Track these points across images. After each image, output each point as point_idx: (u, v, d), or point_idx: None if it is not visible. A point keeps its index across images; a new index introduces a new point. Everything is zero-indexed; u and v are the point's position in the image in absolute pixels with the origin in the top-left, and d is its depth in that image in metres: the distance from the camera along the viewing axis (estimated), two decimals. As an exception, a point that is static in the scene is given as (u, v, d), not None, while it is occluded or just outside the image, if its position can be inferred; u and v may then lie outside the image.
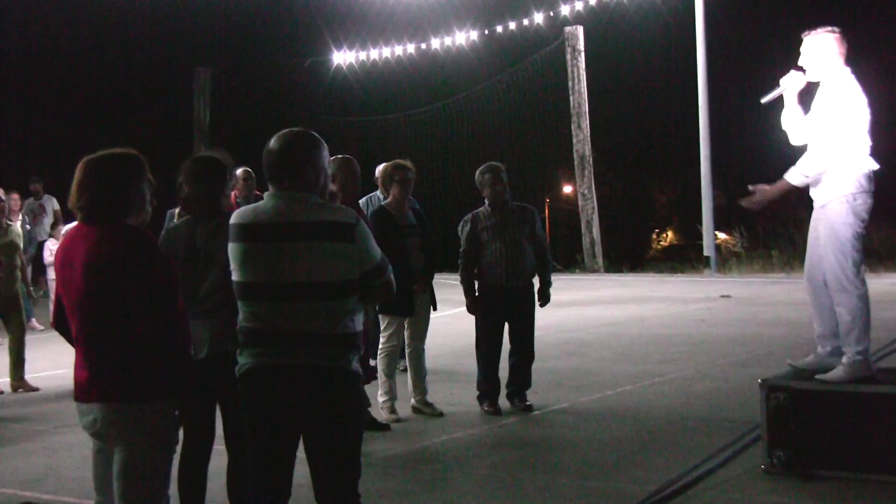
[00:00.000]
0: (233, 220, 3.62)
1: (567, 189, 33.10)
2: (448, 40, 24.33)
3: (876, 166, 5.23)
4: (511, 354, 7.26)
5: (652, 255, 33.76)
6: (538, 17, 22.81)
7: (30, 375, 8.99)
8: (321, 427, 3.51)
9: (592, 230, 21.22)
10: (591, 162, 21.65)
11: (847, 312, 5.17)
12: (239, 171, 9.30)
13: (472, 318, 7.31)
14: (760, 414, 5.30)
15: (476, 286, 7.24)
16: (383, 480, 5.43)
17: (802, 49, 5.39)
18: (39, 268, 14.39)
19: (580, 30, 21.61)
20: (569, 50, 21.56)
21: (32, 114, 27.00)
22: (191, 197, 4.38)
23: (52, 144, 24.54)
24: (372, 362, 7.12)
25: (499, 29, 23.80)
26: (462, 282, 7.25)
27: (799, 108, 5.42)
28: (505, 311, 7.17)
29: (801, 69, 5.40)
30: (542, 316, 7.53)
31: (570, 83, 21.56)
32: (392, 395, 6.97)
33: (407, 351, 7.21)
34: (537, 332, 7.39)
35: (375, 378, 6.98)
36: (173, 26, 26.72)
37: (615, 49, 28.25)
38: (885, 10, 27.33)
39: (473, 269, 7.23)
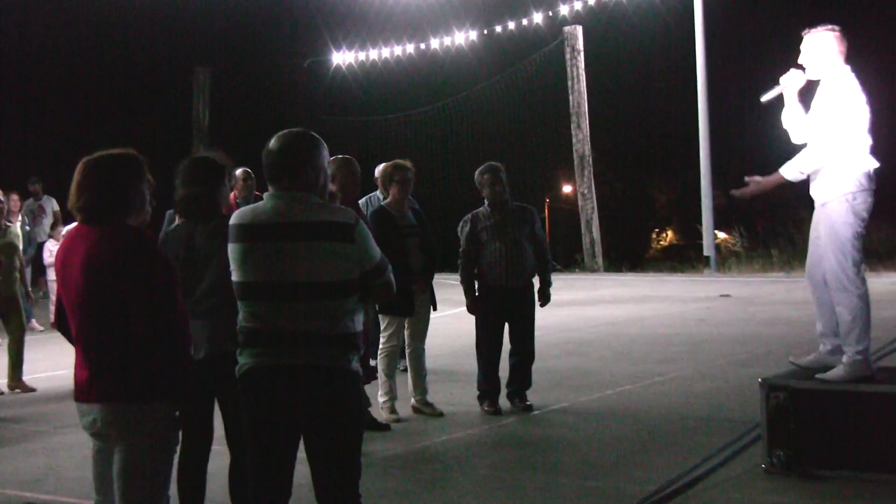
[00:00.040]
0: (233, 220, 3.62)
1: (567, 189, 33.09)
2: (447, 40, 24.34)
3: (876, 164, 5.22)
4: (511, 354, 7.26)
5: (652, 255, 33.73)
6: (537, 17, 22.83)
7: (29, 376, 8.98)
8: (321, 427, 3.51)
9: (592, 230, 21.22)
10: (590, 162, 21.65)
11: (847, 312, 5.17)
12: (238, 172, 9.30)
13: (472, 318, 7.31)
14: (760, 413, 5.30)
15: (476, 286, 7.25)
16: (383, 480, 5.43)
17: (802, 47, 5.38)
18: (39, 269, 14.39)
19: (579, 30, 21.62)
20: (568, 50, 21.56)
21: (32, 114, 26.95)
22: (187, 198, 4.36)
23: (51, 145, 24.49)
24: (372, 362, 7.12)
25: (498, 29, 23.81)
26: (462, 282, 7.25)
27: (799, 107, 5.42)
28: (505, 310, 7.17)
29: (800, 67, 5.40)
30: (542, 316, 7.53)
31: (569, 83, 21.56)
32: (392, 395, 6.97)
33: (407, 351, 7.21)
34: (537, 332, 7.39)
35: (375, 378, 6.98)
36: (173, 26, 26.69)
37: (614, 49, 28.23)
38: (886, 10, 27.32)
39: (473, 269, 7.23)
